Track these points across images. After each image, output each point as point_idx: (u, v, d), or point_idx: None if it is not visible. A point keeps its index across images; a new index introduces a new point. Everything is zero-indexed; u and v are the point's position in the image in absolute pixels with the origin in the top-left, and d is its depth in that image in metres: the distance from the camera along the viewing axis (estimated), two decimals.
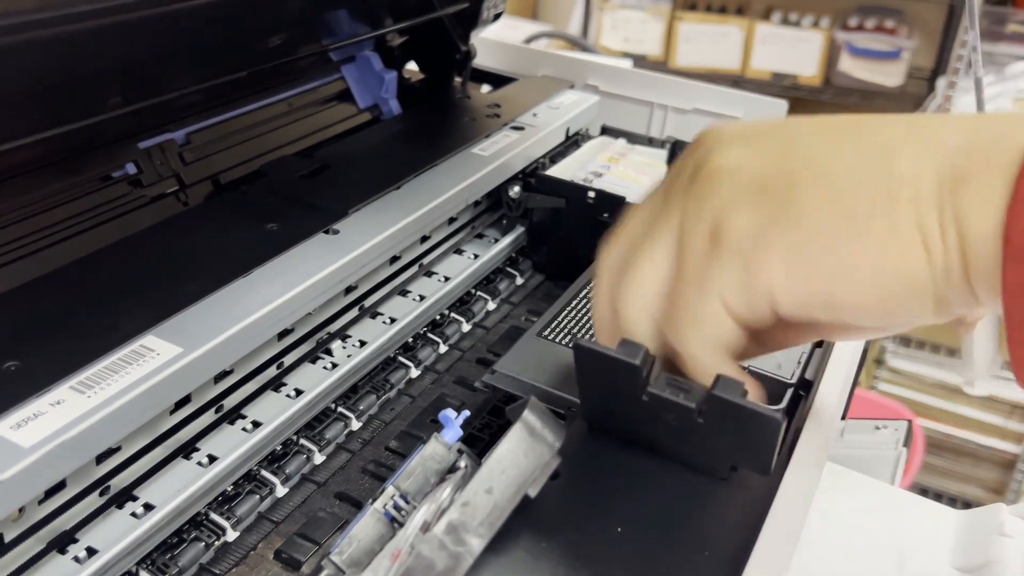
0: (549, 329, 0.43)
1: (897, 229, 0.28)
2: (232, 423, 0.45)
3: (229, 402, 0.45)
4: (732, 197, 0.30)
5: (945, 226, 0.27)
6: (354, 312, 0.53)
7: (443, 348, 0.55)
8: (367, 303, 0.54)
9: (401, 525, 0.33)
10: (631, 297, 0.33)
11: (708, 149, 0.32)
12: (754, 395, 0.31)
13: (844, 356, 0.43)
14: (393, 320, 0.54)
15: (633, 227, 0.34)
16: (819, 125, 0.32)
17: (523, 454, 0.32)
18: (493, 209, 0.65)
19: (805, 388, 0.42)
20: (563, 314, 0.45)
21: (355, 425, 0.48)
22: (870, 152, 0.29)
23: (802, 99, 1.95)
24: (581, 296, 0.46)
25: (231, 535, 0.41)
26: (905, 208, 0.28)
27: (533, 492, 0.31)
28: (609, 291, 0.34)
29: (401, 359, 0.53)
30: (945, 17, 1.91)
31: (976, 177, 0.27)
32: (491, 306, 0.60)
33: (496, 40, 0.82)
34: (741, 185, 0.31)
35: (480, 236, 0.64)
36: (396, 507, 0.33)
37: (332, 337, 0.51)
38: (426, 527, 0.31)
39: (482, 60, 0.80)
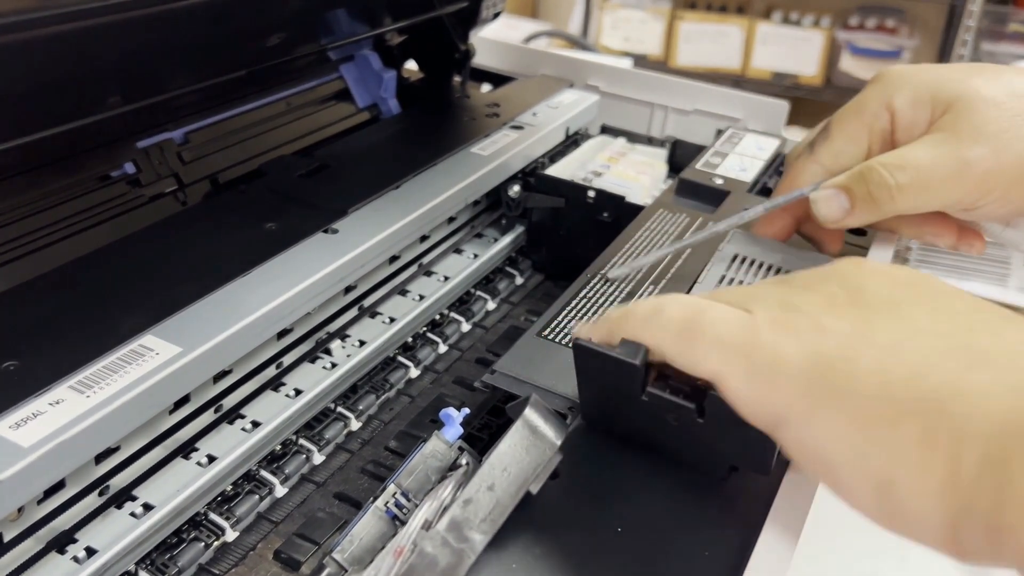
0: (549, 329, 0.43)
1: (929, 444, 0.25)
2: (231, 423, 0.45)
3: (228, 402, 0.44)
4: (822, 309, 0.29)
5: (982, 482, 0.24)
6: (353, 312, 0.53)
7: (443, 348, 0.55)
8: (366, 303, 0.54)
9: (403, 523, 0.33)
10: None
11: (832, 276, 0.31)
12: None
13: None
14: (392, 320, 0.54)
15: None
16: (924, 295, 0.29)
17: (524, 451, 0.32)
18: (492, 209, 0.65)
19: None
20: (563, 314, 0.45)
21: (354, 425, 0.48)
22: (949, 351, 0.26)
23: (803, 99, 1.95)
24: (581, 296, 0.46)
25: (230, 535, 0.40)
26: (948, 435, 0.25)
27: (535, 489, 0.31)
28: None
29: (400, 359, 0.53)
30: (946, 16, 1.91)
31: None
32: (491, 306, 0.60)
33: (495, 39, 0.82)
34: (831, 306, 0.29)
35: (479, 236, 0.64)
36: (398, 505, 0.33)
37: (331, 337, 0.51)
38: (428, 525, 0.31)
39: (481, 59, 0.80)
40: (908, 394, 0.26)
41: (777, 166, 0.64)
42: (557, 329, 0.43)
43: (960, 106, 0.42)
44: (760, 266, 0.46)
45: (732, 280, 0.45)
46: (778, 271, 0.46)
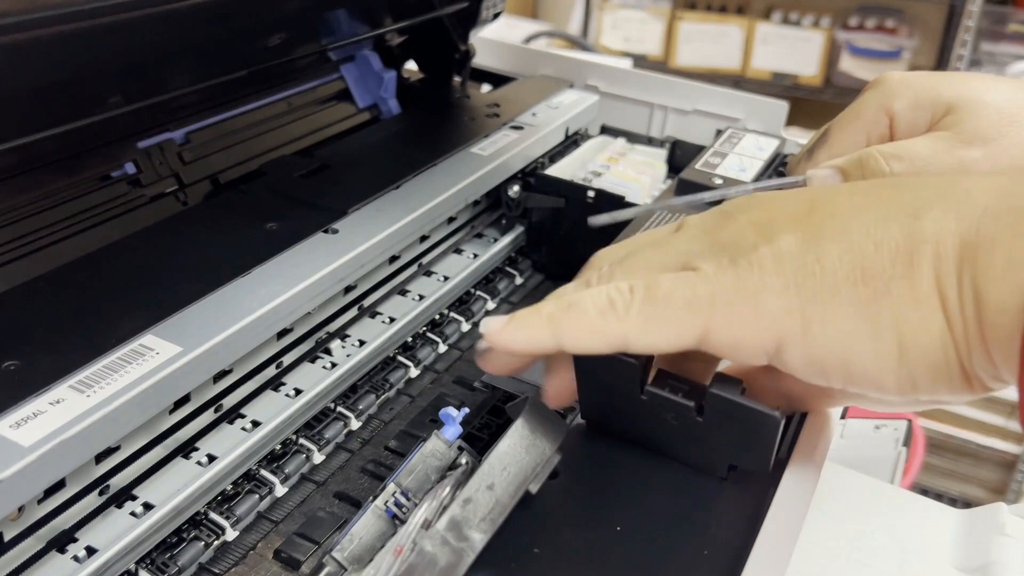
0: None
1: (916, 293, 0.26)
2: (231, 422, 0.45)
3: (228, 401, 0.45)
4: (757, 233, 0.30)
5: (963, 292, 0.26)
6: (353, 311, 0.53)
7: (442, 348, 0.55)
8: (366, 302, 0.54)
9: (402, 522, 0.33)
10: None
11: (737, 208, 0.32)
12: None
13: None
14: (392, 320, 0.54)
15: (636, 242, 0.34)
16: (852, 188, 0.30)
17: (524, 450, 0.32)
18: (492, 208, 0.65)
19: None
20: None
21: (354, 424, 0.48)
22: (895, 211, 0.28)
23: (802, 99, 1.95)
24: None
25: (230, 534, 0.41)
26: (926, 271, 0.26)
27: (534, 488, 0.31)
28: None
29: (400, 358, 0.53)
30: (945, 17, 1.91)
31: (1000, 244, 0.25)
32: (490, 305, 0.60)
33: (495, 40, 0.82)
34: (766, 225, 0.30)
35: (479, 235, 0.64)
36: (397, 504, 0.33)
37: (331, 336, 0.51)
38: (427, 524, 0.31)
39: (481, 60, 0.80)
40: (882, 261, 0.27)
41: (776, 166, 0.64)
42: None
43: (962, 108, 0.42)
44: None
45: None
46: None
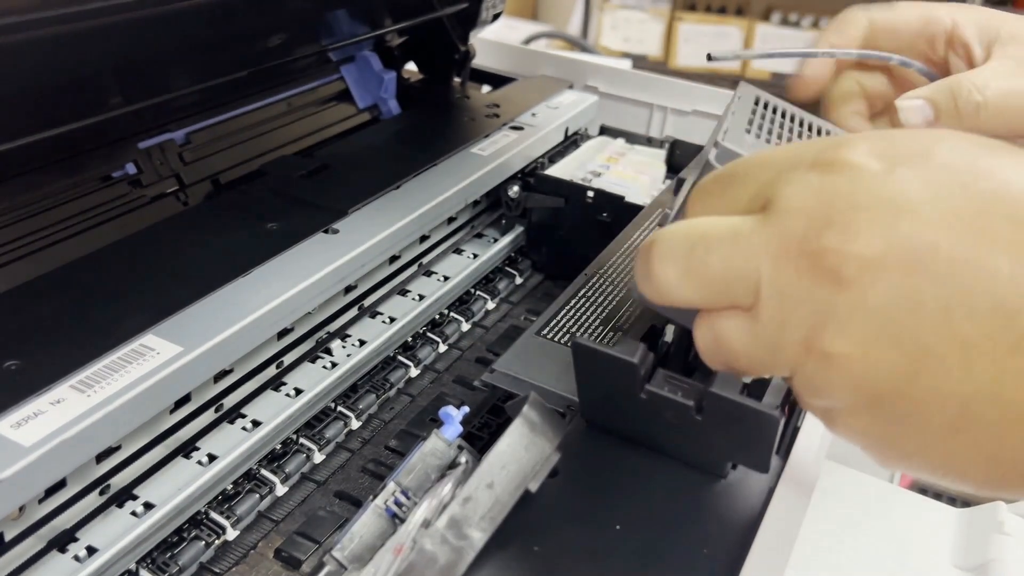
0: (548, 328, 0.44)
1: None
2: (232, 422, 0.45)
3: (229, 401, 0.45)
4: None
5: None
6: (353, 311, 0.53)
7: (442, 347, 0.55)
8: (367, 302, 0.54)
9: (402, 521, 0.33)
10: None
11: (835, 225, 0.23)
12: None
13: None
14: (392, 319, 0.54)
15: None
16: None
17: (524, 449, 0.32)
18: (492, 209, 0.65)
19: None
20: (562, 313, 0.45)
21: (355, 424, 0.48)
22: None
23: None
24: (580, 295, 0.46)
25: (231, 534, 0.41)
26: None
27: (534, 487, 0.31)
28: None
29: (400, 358, 0.53)
30: None
31: None
32: (490, 305, 0.60)
33: (495, 40, 0.82)
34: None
35: (479, 236, 0.65)
36: (397, 503, 0.33)
37: (332, 336, 0.51)
38: (427, 523, 0.31)
39: (481, 60, 0.80)
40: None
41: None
42: (556, 328, 0.44)
43: (1018, 38, 0.42)
44: (784, 114, 0.42)
45: (761, 126, 0.39)
46: (803, 124, 0.42)
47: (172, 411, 0.41)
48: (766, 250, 0.24)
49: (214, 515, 0.41)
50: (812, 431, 0.38)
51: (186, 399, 0.41)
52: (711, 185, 0.28)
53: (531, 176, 0.64)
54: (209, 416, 0.43)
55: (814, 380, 0.24)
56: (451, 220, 0.60)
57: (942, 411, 0.22)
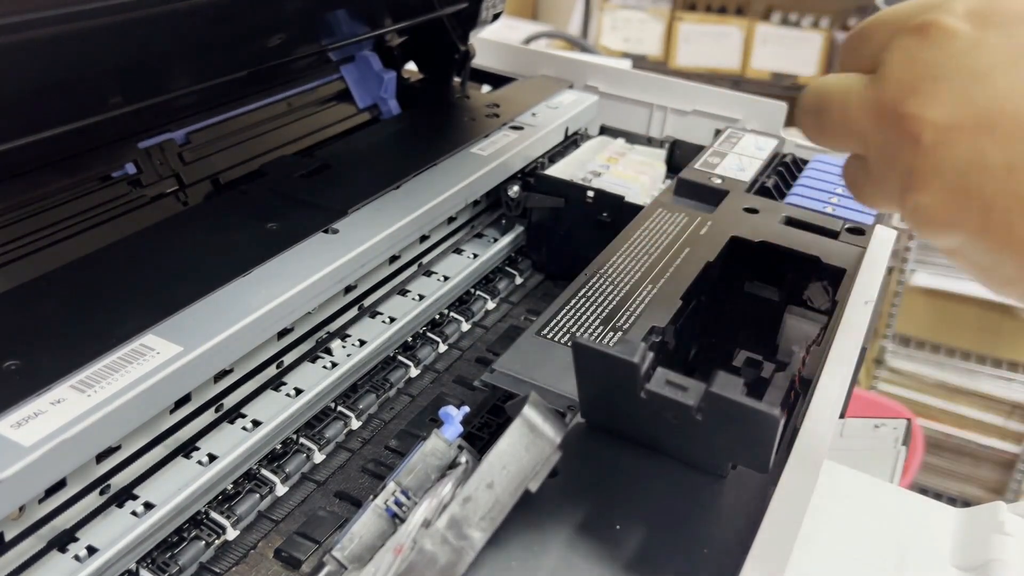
0: (548, 328, 0.43)
1: None
2: (232, 422, 0.45)
3: (229, 401, 0.45)
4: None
5: None
6: (354, 311, 0.53)
7: (442, 347, 0.55)
8: (367, 302, 0.54)
9: (402, 521, 0.33)
10: None
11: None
12: None
13: (843, 354, 0.43)
14: (392, 319, 0.54)
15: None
16: None
17: (524, 449, 0.32)
18: (492, 209, 0.65)
19: (804, 386, 0.42)
20: (562, 313, 0.45)
21: (355, 424, 0.48)
22: None
23: None
24: (580, 295, 0.46)
25: (231, 534, 0.41)
26: None
27: (534, 487, 0.31)
28: None
29: (401, 358, 0.53)
30: None
31: None
32: (490, 305, 0.60)
33: (495, 40, 0.82)
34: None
35: (479, 235, 0.65)
36: (397, 503, 0.33)
37: (332, 336, 0.51)
38: (427, 523, 0.31)
39: (481, 60, 0.80)
40: None
41: (775, 166, 0.64)
42: (556, 328, 0.44)
43: None
44: None
45: None
46: None
47: (172, 411, 0.41)
48: (869, 112, 0.28)
49: (214, 515, 0.41)
50: (812, 431, 0.38)
51: (186, 399, 0.41)
52: (849, 41, 0.32)
53: (531, 176, 0.64)
54: (209, 416, 0.43)
55: (912, 225, 0.28)
56: (451, 220, 0.60)
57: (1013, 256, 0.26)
